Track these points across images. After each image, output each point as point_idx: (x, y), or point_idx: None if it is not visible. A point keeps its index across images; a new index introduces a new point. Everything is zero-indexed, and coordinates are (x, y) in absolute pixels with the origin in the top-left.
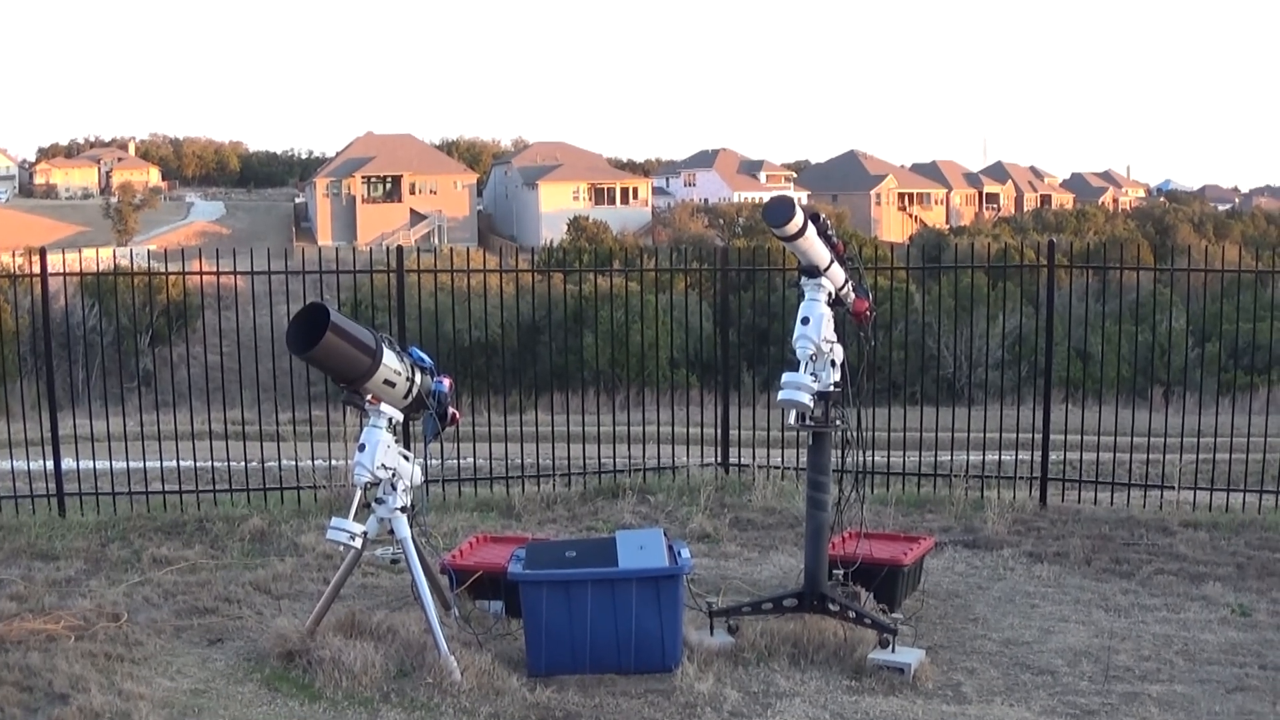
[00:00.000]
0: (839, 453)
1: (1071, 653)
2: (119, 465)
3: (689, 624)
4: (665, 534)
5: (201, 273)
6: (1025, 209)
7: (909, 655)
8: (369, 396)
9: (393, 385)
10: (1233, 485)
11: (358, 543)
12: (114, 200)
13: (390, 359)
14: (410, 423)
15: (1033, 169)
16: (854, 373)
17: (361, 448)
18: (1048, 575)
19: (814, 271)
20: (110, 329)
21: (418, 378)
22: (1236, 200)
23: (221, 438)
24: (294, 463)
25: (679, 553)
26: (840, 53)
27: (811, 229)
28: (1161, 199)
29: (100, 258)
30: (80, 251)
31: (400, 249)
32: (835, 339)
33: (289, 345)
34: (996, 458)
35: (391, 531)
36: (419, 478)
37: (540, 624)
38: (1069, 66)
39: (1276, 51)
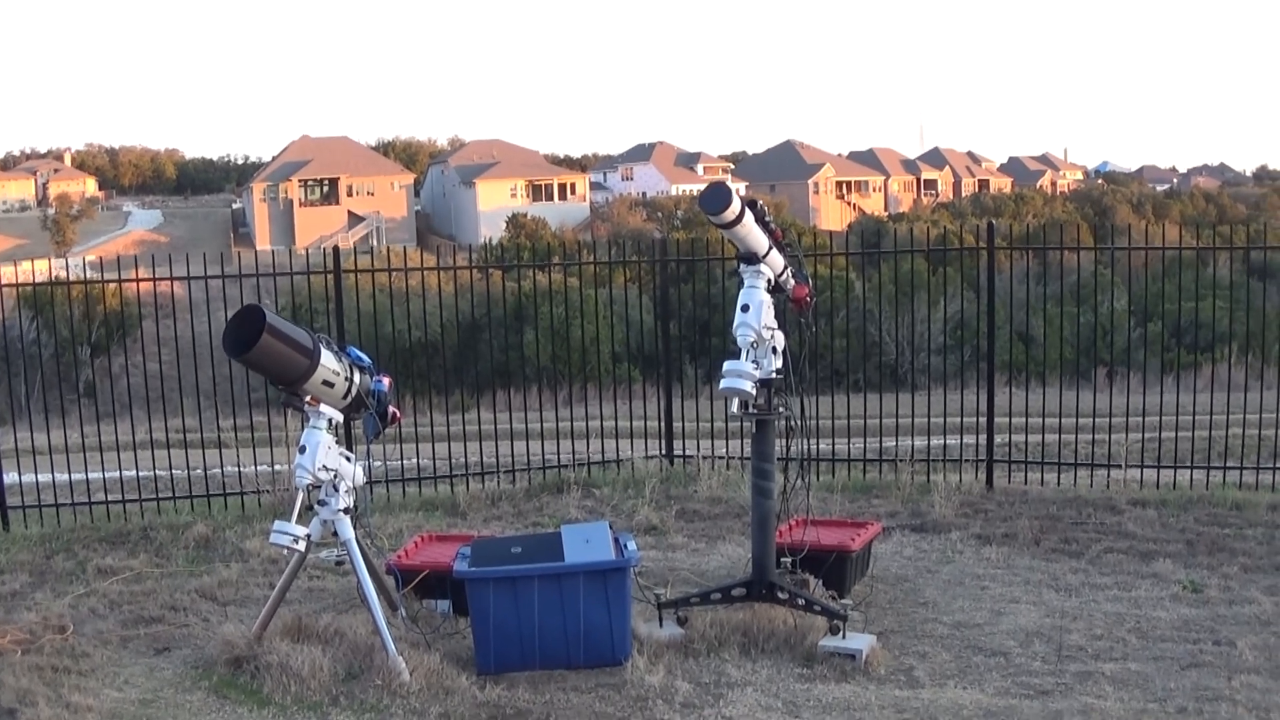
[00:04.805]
0: (783, 440)
1: (1023, 634)
2: (62, 477)
3: (638, 617)
4: (611, 527)
5: (137, 279)
6: (963, 194)
7: (860, 641)
8: (308, 398)
9: (331, 386)
10: (1179, 463)
11: (301, 546)
12: (51, 212)
13: (328, 359)
14: (351, 424)
15: (970, 154)
16: (796, 359)
17: (302, 450)
18: (997, 557)
19: (752, 258)
20: (50, 341)
21: (356, 377)
22: (1175, 180)
23: (164, 446)
24: (236, 468)
25: (625, 545)
26: (776, 43)
27: (749, 215)
28: (1100, 181)
29: (38, 270)
30: (17, 264)
31: (337, 249)
32: (776, 326)
33: (225, 348)
34: (942, 442)
35: (335, 534)
36: (361, 478)
37: (488, 622)
38: (1004, 51)
39: (1212, 32)
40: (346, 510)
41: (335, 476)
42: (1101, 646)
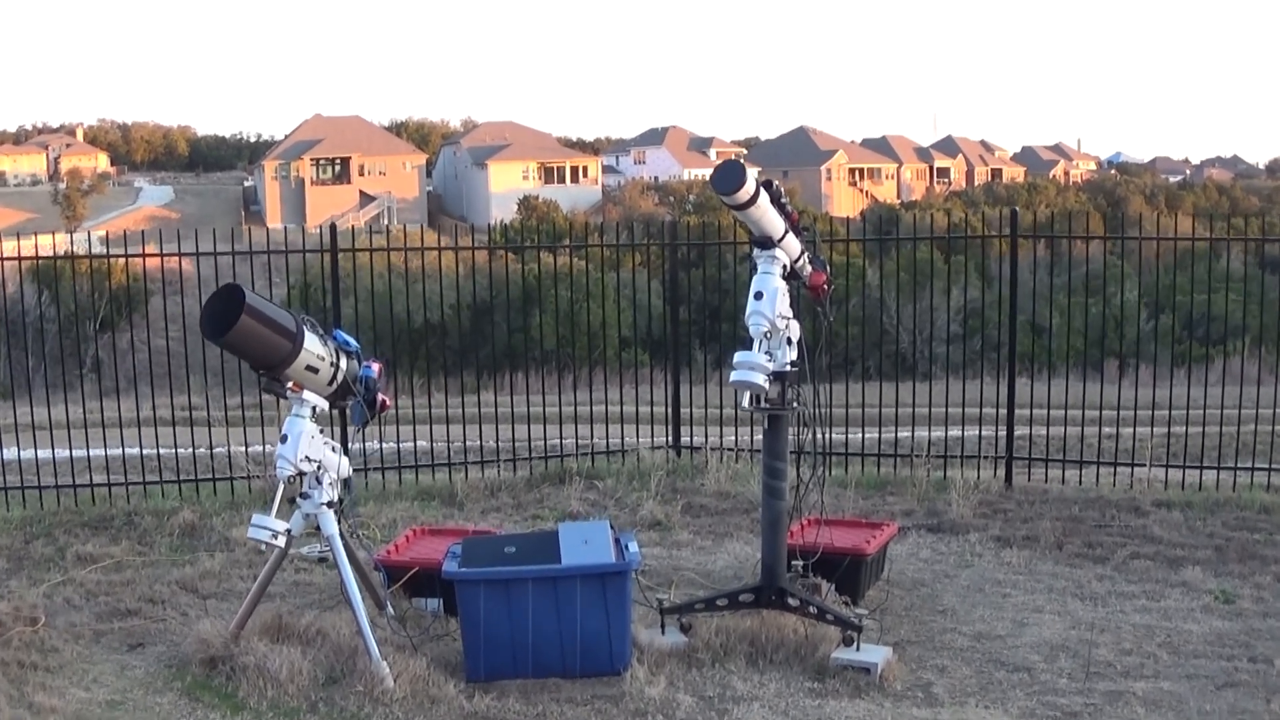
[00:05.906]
0: (796, 433)
1: (1048, 647)
2: (47, 455)
3: (639, 622)
4: (612, 526)
5: (127, 255)
6: (976, 183)
7: (875, 653)
8: (290, 384)
9: (316, 371)
10: (1205, 462)
11: (281, 541)
12: (62, 186)
13: (312, 343)
14: (344, 412)
15: (983, 143)
16: (811, 351)
17: (284, 439)
18: (1018, 561)
19: (767, 243)
20: (59, 316)
21: (343, 363)
22: (1187, 172)
23: (154, 424)
24: (226, 449)
25: (626, 546)
26: (789, 28)
27: (764, 196)
28: (1112, 171)
29: (48, 244)
30: (22, 238)
31: (334, 226)
32: (791, 315)
33: (203, 330)
34: (959, 434)
35: (318, 528)
36: (347, 470)
37: (478, 626)
38: (1019, 40)
39: (1226, 24)
40: (330, 504)
41: (319, 468)
42: (1131, 663)
